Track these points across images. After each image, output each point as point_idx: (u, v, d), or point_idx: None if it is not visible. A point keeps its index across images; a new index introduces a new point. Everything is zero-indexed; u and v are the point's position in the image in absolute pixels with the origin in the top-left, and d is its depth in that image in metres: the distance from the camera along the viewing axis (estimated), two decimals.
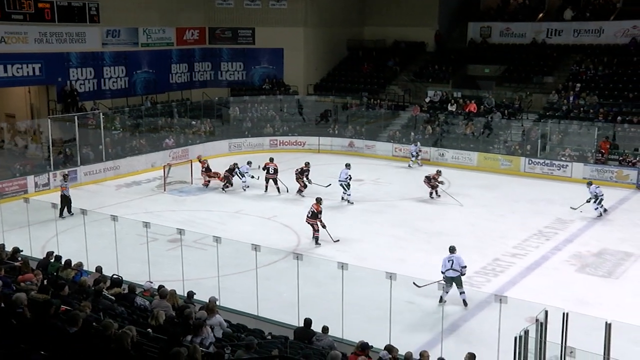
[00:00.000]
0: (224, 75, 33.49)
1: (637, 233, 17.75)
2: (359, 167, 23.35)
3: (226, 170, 22.30)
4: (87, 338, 6.65)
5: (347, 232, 17.68)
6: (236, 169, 22.12)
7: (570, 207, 19.26)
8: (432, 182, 20.84)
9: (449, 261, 12.72)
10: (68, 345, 6.39)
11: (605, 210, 19.15)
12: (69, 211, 18.35)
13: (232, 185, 22.18)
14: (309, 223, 16.59)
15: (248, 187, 21.96)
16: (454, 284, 12.69)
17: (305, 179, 21.20)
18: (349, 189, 20.37)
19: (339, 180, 20.43)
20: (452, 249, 12.94)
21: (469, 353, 8.79)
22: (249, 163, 22.26)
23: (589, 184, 19.67)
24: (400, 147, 27.72)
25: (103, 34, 27.77)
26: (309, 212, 16.59)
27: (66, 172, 20.53)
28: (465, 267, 12.71)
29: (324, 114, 30.96)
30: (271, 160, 21.89)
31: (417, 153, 26.02)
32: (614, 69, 28.00)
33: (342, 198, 20.40)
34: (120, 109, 27.70)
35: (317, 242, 16.36)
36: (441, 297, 12.57)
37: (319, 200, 16.72)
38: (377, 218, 19.13)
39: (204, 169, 22.55)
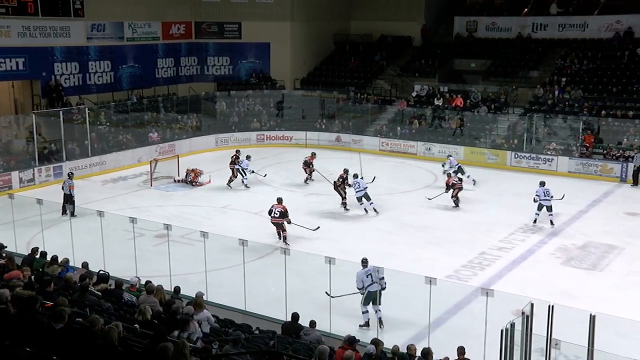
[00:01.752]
0: (210, 70, 33.35)
1: (621, 226, 17.94)
2: (346, 162, 23.33)
3: (230, 163, 21.96)
4: (74, 334, 6.62)
5: (334, 226, 17.73)
6: (237, 165, 21.75)
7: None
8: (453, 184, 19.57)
9: (367, 275, 11.46)
10: (54, 342, 6.36)
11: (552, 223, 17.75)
12: (72, 213, 16.90)
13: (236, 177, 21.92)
14: (275, 223, 16.05)
15: (248, 187, 21.65)
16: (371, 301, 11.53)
17: (346, 186, 19.39)
18: (369, 199, 18.77)
19: (358, 191, 18.62)
20: (365, 261, 11.72)
21: (459, 347, 8.87)
22: (248, 157, 21.98)
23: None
24: (387, 142, 27.80)
25: (88, 28, 27.52)
26: (275, 213, 15.95)
27: (71, 171, 20.28)
28: (383, 278, 11.42)
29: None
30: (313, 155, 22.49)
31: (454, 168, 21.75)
32: (599, 63, 28.22)
33: (366, 210, 18.82)
34: (106, 104, 27.50)
35: (285, 241, 15.84)
36: (367, 322, 11.56)
37: (280, 200, 16.28)
38: (361, 212, 19.11)
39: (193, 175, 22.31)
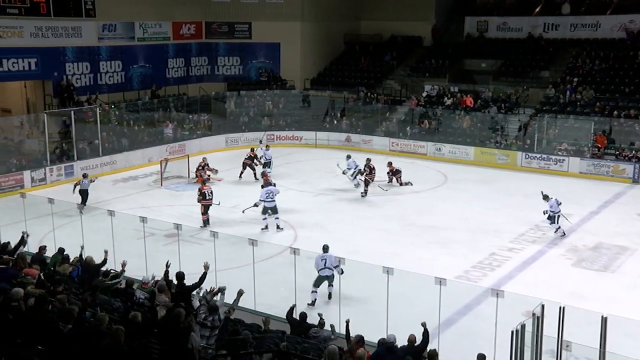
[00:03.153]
0: (220, 70, 33.44)
1: (633, 227, 17.80)
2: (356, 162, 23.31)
3: (246, 159, 22.94)
4: (83, 333, 6.65)
5: (340, 226, 17.73)
6: (256, 160, 22.75)
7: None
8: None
9: (322, 260, 12.51)
10: (64, 340, 6.39)
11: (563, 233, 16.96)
12: (84, 203, 18.17)
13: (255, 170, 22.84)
14: (209, 205, 17.52)
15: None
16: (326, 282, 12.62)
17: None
18: (276, 212, 17.34)
19: (270, 201, 17.26)
20: (325, 248, 12.69)
21: (480, 354, 8.79)
22: (267, 147, 23.08)
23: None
24: (397, 142, 27.75)
25: (99, 28, 27.67)
26: (209, 195, 17.41)
27: (85, 173, 20.44)
28: (338, 265, 12.24)
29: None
30: (369, 160, 21.47)
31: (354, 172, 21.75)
32: (611, 63, 28.01)
33: (267, 227, 17.26)
34: (117, 104, 27.63)
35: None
36: (313, 302, 12.33)
37: (204, 182, 18.09)
38: (370, 212, 19.12)
39: (202, 168, 22.41)
